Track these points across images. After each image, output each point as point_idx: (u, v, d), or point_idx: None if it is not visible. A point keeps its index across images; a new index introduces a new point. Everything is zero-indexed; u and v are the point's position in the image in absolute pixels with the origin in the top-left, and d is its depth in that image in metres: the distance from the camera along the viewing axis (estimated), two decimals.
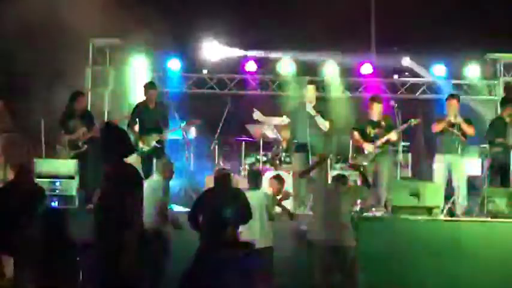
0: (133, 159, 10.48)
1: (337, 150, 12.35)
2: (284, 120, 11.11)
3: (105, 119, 12.41)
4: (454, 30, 12.96)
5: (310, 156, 10.43)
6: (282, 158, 11.88)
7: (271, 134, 11.54)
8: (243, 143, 12.14)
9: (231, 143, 12.68)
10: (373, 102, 11.02)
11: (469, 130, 10.77)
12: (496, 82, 13.73)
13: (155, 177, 8.87)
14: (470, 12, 13.27)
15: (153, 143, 10.90)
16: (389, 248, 9.26)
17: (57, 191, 10.17)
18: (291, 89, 13.38)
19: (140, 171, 10.39)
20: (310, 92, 10.87)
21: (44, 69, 11.51)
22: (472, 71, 13.64)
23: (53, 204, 9.88)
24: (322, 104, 11.08)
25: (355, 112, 12.86)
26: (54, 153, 11.03)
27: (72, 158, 10.69)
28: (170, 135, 11.25)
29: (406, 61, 13.62)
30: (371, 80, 13.91)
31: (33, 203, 7.99)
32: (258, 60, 13.67)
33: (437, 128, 10.91)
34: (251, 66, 13.69)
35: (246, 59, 13.67)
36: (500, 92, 13.55)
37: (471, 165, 11.27)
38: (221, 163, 12.27)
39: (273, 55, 13.65)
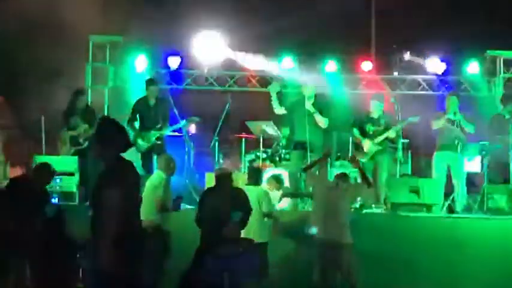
0: (133, 156, 10.58)
1: (337, 148, 12.35)
2: (273, 127, 11.15)
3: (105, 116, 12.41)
4: (454, 27, 12.96)
5: (309, 154, 10.45)
6: (282, 155, 11.89)
7: (271, 130, 11.54)
8: (243, 140, 12.14)
9: (231, 140, 12.68)
10: (374, 101, 11.04)
11: (469, 127, 10.78)
12: (495, 79, 13.71)
13: (157, 174, 8.87)
14: (470, 10, 13.26)
15: (153, 140, 10.92)
16: (388, 245, 9.27)
17: (57, 187, 10.18)
18: (290, 86, 13.36)
19: (140, 167, 10.51)
20: (309, 89, 10.87)
21: (43, 66, 11.51)
22: (472, 68, 13.63)
23: (53, 200, 9.89)
24: (322, 101, 11.07)
25: (354, 109, 12.87)
26: (55, 150, 11.04)
27: (73, 154, 10.72)
28: (170, 132, 11.26)
29: (407, 56, 13.59)
30: (371, 77, 13.89)
31: (43, 202, 7.97)
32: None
33: (436, 125, 10.92)
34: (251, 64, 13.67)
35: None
36: (500, 89, 13.54)
37: (471, 162, 11.28)
38: (221, 160, 12.28)
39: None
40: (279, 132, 11.57)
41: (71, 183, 10.30)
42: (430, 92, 13.94)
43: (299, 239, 9.06)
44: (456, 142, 10.67)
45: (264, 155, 11.81)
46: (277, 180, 9.01)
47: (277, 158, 11.85)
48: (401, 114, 11.02)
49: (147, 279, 7.25)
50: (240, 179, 10.23)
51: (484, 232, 9.64)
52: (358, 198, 10.05)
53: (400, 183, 10.59)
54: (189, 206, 9.68)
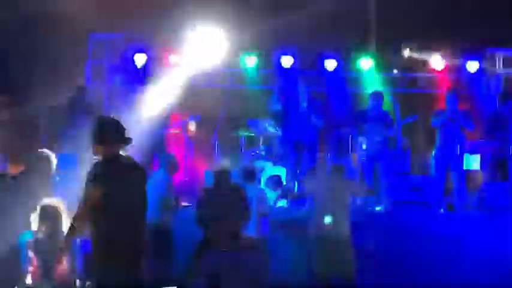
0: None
1: (337, 145, 12.35)
2: (273, 125, 11.16)
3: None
4: (453, 25, 12.97)
5: (306, 154, 10.50)
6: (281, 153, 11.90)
7: (270, 128, 11.55)
8: (243, 137, 12.14)
9: (231, 137, 12.68)
10: (373, 99, 11.04)
11: (469, 125, 10.79)
12: (495, 76, 13.73)
13: (159, 173, 8.88)
14: (470, 7, 13.27)
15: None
16: (388, 243, 9.28)
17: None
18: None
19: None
20: (302, 88, 10.89)
21: (43, 63, 11.51)
22: (471, 65, 13.64)
23: None
24: (320, 99, 11.09)
25: (353, 107, 12.90)
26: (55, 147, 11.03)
27: (74, 151, 10.70)
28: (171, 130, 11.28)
29: (406, 52, 13.60)
30: (370, 75, 13.90)
31: None
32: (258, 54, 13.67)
33: (436, 123, 10.93)
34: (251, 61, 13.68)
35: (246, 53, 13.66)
36: (499, 87, 13.56)
37: (470, 159, 11.30)
38: (221, 158, 12.28)
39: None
40: (278, 130, 11.58)
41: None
42: (430, 90, 13.95)
43: (298, 236, 9.10)
44: (456, 139, 10.68)
45: (264, 153, 11.81)
46: (276, 182, 9.00)
47: (277, 156, 11.85)
48: (400, 112, 11.02)
49: (150, 276, 7.25)
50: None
51: (483, 230, 9.65)
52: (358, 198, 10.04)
53: (400, 181, 10.60)
54: (188, 205, 9.69)
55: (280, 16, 13.02)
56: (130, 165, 5.42)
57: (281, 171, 10.88)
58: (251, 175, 8.80)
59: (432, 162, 10.99)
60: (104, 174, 5.25)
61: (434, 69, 13.70)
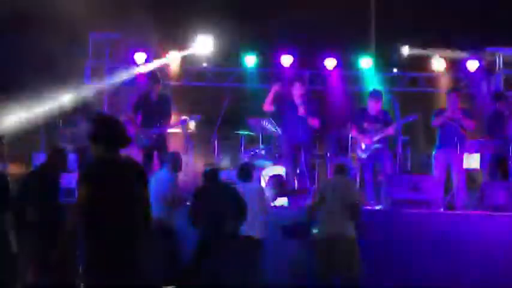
0: (133, 152, 10.58)
1: (336, 145, 12.34)
2: (273, 124, 11.13)
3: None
4: (453, 24, 12.96)
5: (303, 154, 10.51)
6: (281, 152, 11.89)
7: (270, 127, 11.54)
8: (243, 136, 12.14)
9: (231, 136, 12.67)
10: (372, 98, 11.04)
11: (469, 124, 10.80)
12: (495, 76, 13.73)
13: (164, 170, 8.87)
14: (470, 5, 13.26)
15: (154, 136, 10.91)
16: (388, 241, 9.27)
17: None
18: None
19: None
20: (298, 89, 10.87)
21: (43, 63, 11.49)
22: (471, 65, 13.64)
23: None
24: (316, 99, 11.10)
25: (353, 106, 12.89)
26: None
27: (73, 152, 10.71)
28: (171, 129, 11.26)
29: (405, 51, 13.58)
30: (369, 74, 13.90)
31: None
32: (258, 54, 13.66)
33: (436, 122, 10.93)
34: (251, 60, 13.68)
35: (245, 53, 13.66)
36: (499, 86, 13.55)
37: (470, 158, 11.29)
38: (220, 157, 12.29)
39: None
40: (278, 129, 11.57)
41: (71, 181, 10.28)
42: (430, 89, 13.95)
43: (299, 235, 9.10)
44: (456, 139, 10.67)
45: (263, 152, 11.81)
46: (278, 181, 8.99)
47: (277, 155, 11.84)
48: (400, 111, 11.01)
49: (154, 275, 7.26)
50: None
51: (483, 229, 9.64)
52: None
53: (400, 180, 10.59)
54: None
55: (281, 15, 13.03)
56: (128, 165, 5.38)
57: (281, 171, 10.88)
58: (248, 174, 8.80)
59: (432, 161, 10.99)
60: (96, 174, 5.21)
61: (434, 69, 13.69)
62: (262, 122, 11.43)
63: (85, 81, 12.80)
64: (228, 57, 13.71)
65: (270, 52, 13.55)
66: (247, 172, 8.78)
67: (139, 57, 13.29)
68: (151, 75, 11.61)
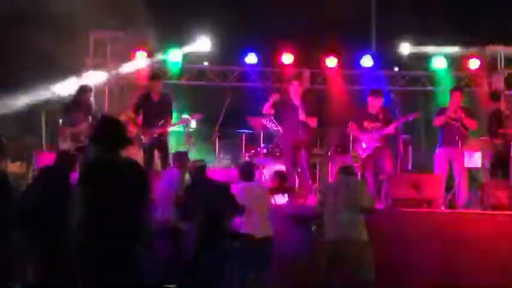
0: (135, 151, 10.59)
1: (338, 144, 12.34)
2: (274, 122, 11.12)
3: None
4: (454, 23, 12.95)
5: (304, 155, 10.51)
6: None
7: (271, 126, 11.54)
8: (244, 135, 12.14)
9: (232, 135, 12.67)
10: (372, 97, 11.04)
11: (471, 123, 10.80)
12: (496, 74, 13.72)
13: (172, 170, 8.87)
14: (471, 4, 13.25)
15: (155, 136, 10.91)
16: (389, 241, 9.26)
17: None
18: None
19: (141, 162, 10.50)
20: (296, 87, 10.86)
21: (44, 61, 11.50)
22: (472, 63, 13.63)
23: None
24: (313, 98, 11.10)
25: (353, 105, 12.89)
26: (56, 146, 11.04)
27: (74, 151, 10.68)
28: (172, 128, 11.27)
29: (406, 50, 13.56)
30: (371, 73, 13.89)
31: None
32: (259, 52, 13.65)
33: (438, 121, 10.92)
34: (251, 59, 13.67)
35: (246, 51, 13.65)
36: (500, 84, 13.54)
37: (472, 157, 11.29)
38: (222, 155, 12.29)
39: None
40: (279, 127, 11.56)
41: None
42: (430, 88, 13.95)
43: (304, 234, 9.12)
44: (457, 138, 10.67)
45: (264, 151, 11.81)
46: (280, 177, 8.98)
47: (278, 153, 11.83)
48: (401, 110, 11.00)
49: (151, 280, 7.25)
50: None
51: (484, 228, 9.63)
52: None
53: (401, 179, 10.59)
54: None
55: (281, 14, 13.03)
56: (128, 166, 5.38)
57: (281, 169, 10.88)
58: (251, 173, 8.80)
59: (434, 160, 10.99)
60: (95, 175, 5.22)
61: (434, 67, 13.69)
62: (262, 121, 11.42)
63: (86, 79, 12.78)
64: (229, 56, 13.70)
65: (270, 51, 13.53)
66: (249, 172, 8.79)
67: (140, 55, 13.29)
68: (152, 74, 11.61)
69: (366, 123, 10.92)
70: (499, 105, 11.28)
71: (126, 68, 13.11)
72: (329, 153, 11.78)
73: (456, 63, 13.68)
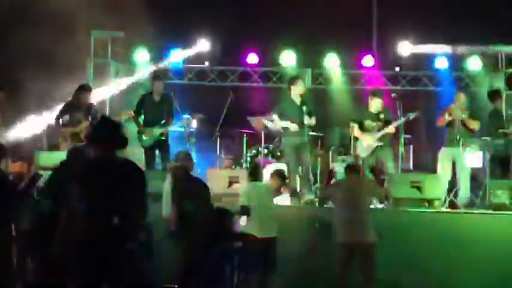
0: (136, 151, 10.60)
1: (339, 143, 12.34)
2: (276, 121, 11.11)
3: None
4: (455, 23, 12.93)
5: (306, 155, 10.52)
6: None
7: (272, 126, 11.53)
8: (245, 135, 12.13)
9: (233, 135, 12.68)
10: (373, 97, 11.03)
11: (474, 125, 10.80)
12: (497, 74, 13.70)
13: None
14: (472, 4, 13.23)
15: (157, 136, 10.91)
16: (389, 240, 9.25)
17: None
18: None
19: (143, 163, 10.51)
20: (298, 88, 10.86)
21: (45, 61, 11.50)
22: (474, 63, 13.62)
23: None
24: (312, 98, 11.11)
25: (354, 104, 12.89)
26: (56, 146, 11.04)
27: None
28: (174, 128, 11.28)
29: (405, 45, 13.54)
30: (372, 73, 13.89)
31: None
32: (260, 52, 13.66)
33: (441, 122, 10.92)
34: (253, 59, 13.67)
35: (247, 51, 13.64)
36: (502, 85, 13.53)
37: (472, 157, 11.28)
38: (223, 155, 12.29)
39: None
40: (280, 127, 11.55)
41: None
42: (432, 88, 13.93)
43: (310, 234, 9.11)
44: (459, 138, 10.67)
45: (266, 151, 11.81)
46: (280, 176, 8.97)
47: (279, 153, 11.83)
48: (402, 110, 10.98)
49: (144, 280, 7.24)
50: (242, 175, 10.25)
51: (486, 227, 9.63)
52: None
53: (402, 179, 10.58)
54: None
55: (281, 15, 13.02)
56: (125, 166, 5.40)
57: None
58: (258, 173, 8.81)
59: (438, 159, 10.98)
60: (90, 174, 5.23)
61: (436, 67, 13.67)
62: (263, 121, 11.41)
63: (87, 79, 12.79)
64: (230, 56, 13.70)
65: (271, 51, 13.53)
66: (256, 172, 8.80)
67: (142, 56, 13.30)
68: (154, 74, 11.61)
69: (366, 123, 10.91)
70: (499, 105, 11.26)
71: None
72: (330, 153, 11.78)
73: (457, 63, 13.67)
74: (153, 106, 11.06)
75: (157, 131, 10.93)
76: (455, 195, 10.77)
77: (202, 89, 13.76)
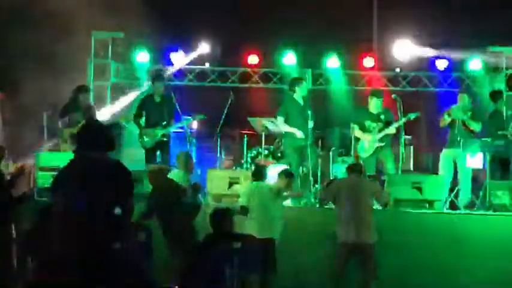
0: (137, 152, 10.60)
1: (339, 144, 12.34)
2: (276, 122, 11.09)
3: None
4: (456, 23, 12.93)
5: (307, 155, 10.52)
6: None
7: (272, 127, 11.52)
8: (245, 135, 12.12)
9: (233, 135, 12.67)
10: (373, 97, 11.03)
11: (474, 126, 10.80)
12: (498, 75, 13.68)
13: (176, 171, 8.85)
14: (472, 5, 13.24)
15: (158, 137, 10.91)
16: (390, 241, 9.25)
17: None
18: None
19: (144, 164, 10.50)
20: (303, 89, 10.86)
21: (45, 61, 11.50)
22: (475, 64, 13.60)
23: None
24: (313, 99, 11.11)
25: (355, 105, 12.88)
26: (56, 146, 11.04)
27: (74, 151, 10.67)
28: (175, 129, 11.27)
29: (406, 45, 13.52)
30: (373, 73, 13.88)
31: None
32: (260, 53, 13.65)
33: (443, 122, 10.92)
34: (253, 59, 13.66)
35: (247, 52, 13.64)
36: (502, 85, 13.50)
37: (473, 158, 11.27)
38: (223, 156, 12.28)
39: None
40: (280, 128, 11.54)
41: None
42: (432, 89, 13.92)
43: (314, 235, 9.10)
44: (462, 139, 10.67)
45: (266, 152, 11.80)
46: (287, 175, 8.94)
47: (279, 154, 11.82)
48: (403, 110, 10.98)
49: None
50: (243, 176, 10.25)
51: (486, 228, 9.62)
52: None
53: (402, 179, 10.57)
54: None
55: (282, 15, 13.02)
56: (110, 166, 5.41)
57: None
58: (261, 173, 8.79)
59: (440, 160, 10.97)
60: (63, 178, 5.31)
61: (437, 68, 13.66)
62: (264, 122, 11.41)
63: (88, 80, 12.79)
64: (230, 56, 13.69)
65: (271, 51, 13.52)
66: (261, 172, 8.79)
67: (142, 56, 13.29)
68: (155, 75, 11.61)
69: (367, 124, 10.91)
70: (501, 106, 11.26)
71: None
72: (331, 154, 11.77)
73: (458, 64, 13.66)
74: (154, 107, 11.06)
75: (158, 132, 10.93)
76: (456, 196, 10.77)
77: (203, 90, 13.76)
